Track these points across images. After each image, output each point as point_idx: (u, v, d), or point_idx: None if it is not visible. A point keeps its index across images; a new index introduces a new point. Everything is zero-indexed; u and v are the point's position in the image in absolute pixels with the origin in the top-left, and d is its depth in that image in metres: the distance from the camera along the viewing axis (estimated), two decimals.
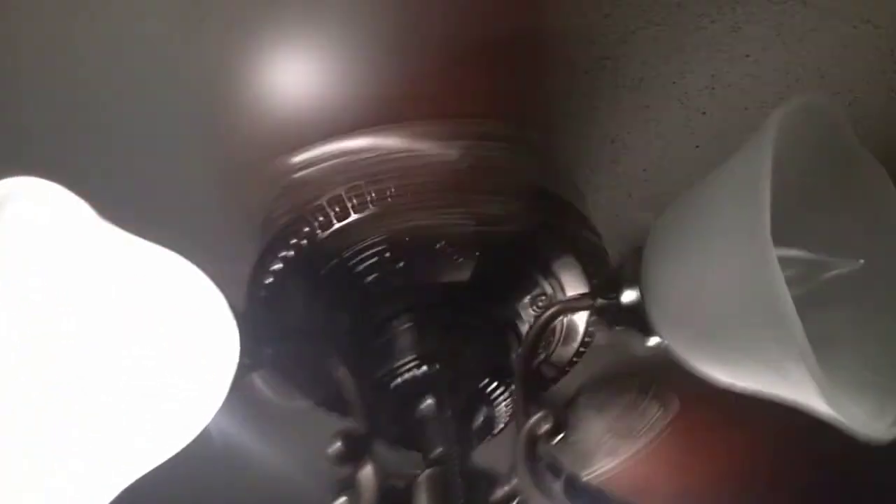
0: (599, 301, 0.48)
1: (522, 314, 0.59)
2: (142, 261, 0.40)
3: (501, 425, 0.59)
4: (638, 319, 0.45)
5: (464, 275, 0.57)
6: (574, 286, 0.58)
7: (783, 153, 0.35)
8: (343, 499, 0.45)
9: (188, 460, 0.41)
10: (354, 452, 0.47)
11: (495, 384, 0.56)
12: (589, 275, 0.56)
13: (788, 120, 0.36)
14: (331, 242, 0.55)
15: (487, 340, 0.58)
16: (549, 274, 0.57)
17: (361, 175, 0.54)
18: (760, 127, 0.36)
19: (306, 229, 0.55)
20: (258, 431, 0.62)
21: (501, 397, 0.57)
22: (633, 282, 0.45)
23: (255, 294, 0.57)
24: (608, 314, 0.48)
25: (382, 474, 0.47)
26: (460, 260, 0.57)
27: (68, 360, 0.37)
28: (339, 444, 0.47)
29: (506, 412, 0.58)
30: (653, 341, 0.45)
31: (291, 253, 0.55)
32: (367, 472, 0.47)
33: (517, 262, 0.57)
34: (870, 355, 0.37)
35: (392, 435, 0.56)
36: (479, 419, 0.56)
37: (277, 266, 0.56)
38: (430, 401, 0.54)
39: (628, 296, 0.45)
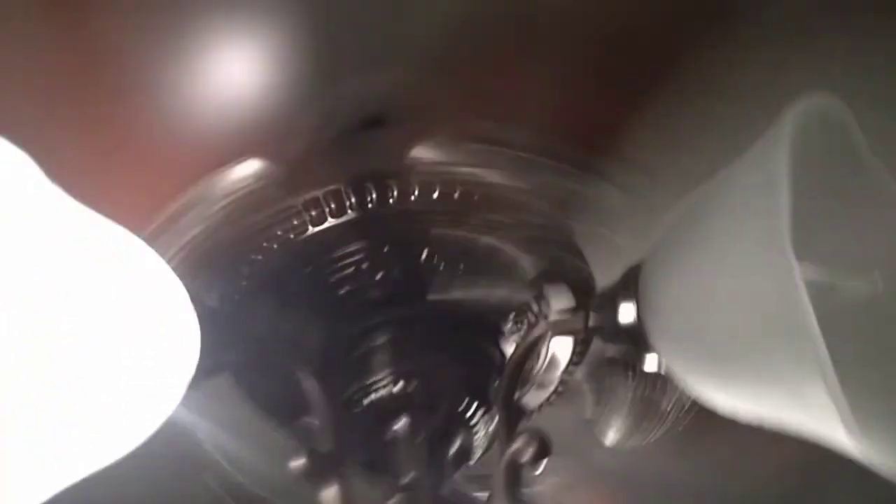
0: (592, 318, 0.45)
1: (507, 333, 0.56)
2: (92, 234, 0.36)
3: (479, 453, 0.55)
4: (635, 337, 0.42)
5: (447, 290, 0.54)
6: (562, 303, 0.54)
7: (794, 158, 0.32)
8: None
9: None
10: (320, 471, 0.43)
11: (475, 407, 0.52)
12: (576, 291, 0.53)
13: (801, 119, 0.33)
14: (306, 248, 0.51)
15: (469, 360, 0.54)
16: (536, 291, 0.54)
17: (340, 178, 0.51)
18: (773, 126, 0.34)
19: (279, 232, 0.51)
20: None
21: (481, 422, 0.53)
22: (631, 297, 0.42)
23: (225, 296, 0.53)
24: (601, 332, 0.45)
25: (349, 498, 0.43)
26: (444, 273, 0.53)
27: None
28: (304, 459, 0.42)
29: (484, 439, 0.54)
30: (651, 361, 0.42)
31: (261, 257, 0.52)
32: (331, 494, 0.43)
33: (503, 278, 0.54)
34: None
35: (360, 457, 0.51)
36: (456, 444, 0.52)
37: (247, 269, 0.52)
38: (403, 421, 0.50)
39: (625, 312, 0.42)
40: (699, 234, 0.37)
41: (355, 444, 0.51)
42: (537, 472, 0.43)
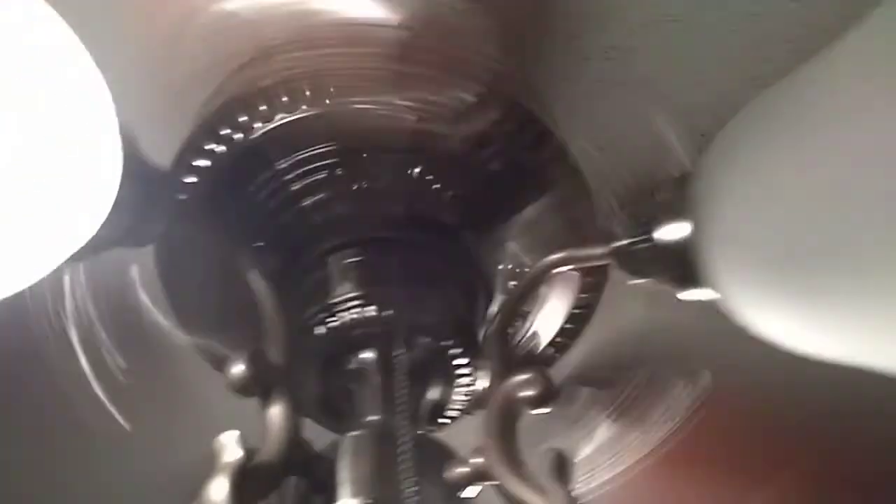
0: (620, 243, 0.37)
1: (502, 275, 0.47)
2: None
3: (455, 413, 0.46)
4: (681, 260, 0.33)
5: (437, 213, 0.45)
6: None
7: None
8: (233, 434, 0.30)
9: None
10: (264, 382, 0.33)
11: (460, 351, 0.43)
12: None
13: None
14: (271, 142, 0.42)
15: (458, 296, 0.45)
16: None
17: (323, 60, 0.42)
18: None
19: (243, 118, 0.42)
20: None
21: (464, 374, 0.44)
22: (681, 209, 0.34)
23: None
24: (632, 262, 0.36)
25: (296, 420, 0.33)
26: (436, 193, 0.45)
27: None
28: (242, 364, 0.33)
29: (464, 396, 0.45)
30: (697, 295, 0.34)
31: (223, 148, 0.42)
32: (276, 412, 0.33)
33: (508, 204, 0.46)
34: None
35: (315, 389, 0.42)
36: (433, 390, 0.43)
37: (203, 163, 0.43)
38: (371, 352, 0.41)
39: (673, 231, 0.34)
40: (796, 118, 0.29)
41: (310, 372, 0.41)
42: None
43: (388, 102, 0.41)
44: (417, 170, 0.44)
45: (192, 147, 0.42)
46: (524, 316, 0.50)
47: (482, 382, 0.45)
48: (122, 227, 0.33)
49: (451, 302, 0.44)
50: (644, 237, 0.35)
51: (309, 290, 0.44)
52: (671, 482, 0.51)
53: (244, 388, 0.32)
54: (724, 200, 0.31)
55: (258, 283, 0.39)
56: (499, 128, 0.42)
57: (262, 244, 0.45)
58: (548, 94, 0.45)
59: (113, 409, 0.46)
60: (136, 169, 0.33)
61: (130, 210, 0.33)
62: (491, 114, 0.41)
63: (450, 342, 0.43)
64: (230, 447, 0.29)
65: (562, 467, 0.31)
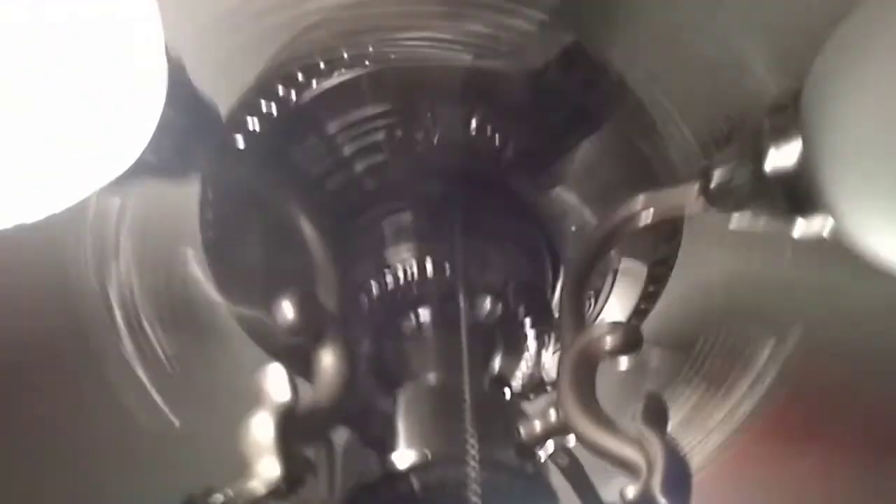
0: (719, 178, 0.32)
1: (568, 237, 0.43)
2: None
3: (519, 383, 0.41)
4: (790, 192, 0.29)
5: (499, 171, 0.41)
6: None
7: None
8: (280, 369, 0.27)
9: None
10: (314, 325, 0.30)
11: (526, 311, 0.39)
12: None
13: None
14: (330, 100, 0.39)
15: (522, 254, 0.41)
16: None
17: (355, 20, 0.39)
18: None
19: (300, 77, 0.39)
20: None
21: (531, 339, 0.40)
22: (788, 134, 0.29)
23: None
24: (732, 198, 0.32)
25: (351, 364, 0.30)
26: (498, 150, 0.41)
27: None
28: (292, 305, 0.29)
29: (529, 365, 0.41)
30: (809, 226, 0.29)
31: (274, 108, 0.40)
32: (328, 358, 0.29)
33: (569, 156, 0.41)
34: None
35: (368, 349, 0.38)
36: (497, 356, 0.38)
37: (257, 122, 0.40)
38: (429, 311, 0.38)
39: (784, 154, 0.29)
40: None
41: (362, 332, 0.38)
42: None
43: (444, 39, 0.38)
44: (475, 123, 0.41)
45: (246, 106, 0.40)
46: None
47: (548, 355, 0.41)
48: (165, 150, 0.30)
49: (513, 261, 0.40)
50: (749, 166, 0.31)
51: (363, 247, 0.41)
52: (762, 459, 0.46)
53: (294, 330, 0.29)
54: (841, 109, 0.27)
55: (309, 230, 0.36)
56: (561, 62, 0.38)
57: (314, 206, 0.42)
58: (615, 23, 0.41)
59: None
60: (181, 92, 0.30)
61: (174, 133, 0.30)
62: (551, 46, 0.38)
63: (514, 303, 0.39)
64: (277, 384, 0.26)
65: (656, 412, 0.26)
